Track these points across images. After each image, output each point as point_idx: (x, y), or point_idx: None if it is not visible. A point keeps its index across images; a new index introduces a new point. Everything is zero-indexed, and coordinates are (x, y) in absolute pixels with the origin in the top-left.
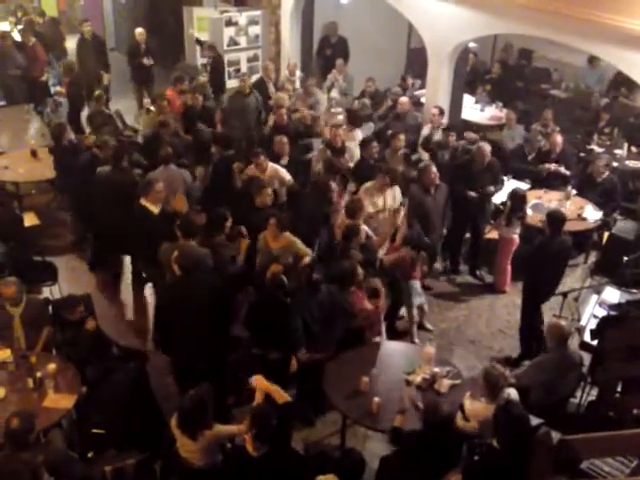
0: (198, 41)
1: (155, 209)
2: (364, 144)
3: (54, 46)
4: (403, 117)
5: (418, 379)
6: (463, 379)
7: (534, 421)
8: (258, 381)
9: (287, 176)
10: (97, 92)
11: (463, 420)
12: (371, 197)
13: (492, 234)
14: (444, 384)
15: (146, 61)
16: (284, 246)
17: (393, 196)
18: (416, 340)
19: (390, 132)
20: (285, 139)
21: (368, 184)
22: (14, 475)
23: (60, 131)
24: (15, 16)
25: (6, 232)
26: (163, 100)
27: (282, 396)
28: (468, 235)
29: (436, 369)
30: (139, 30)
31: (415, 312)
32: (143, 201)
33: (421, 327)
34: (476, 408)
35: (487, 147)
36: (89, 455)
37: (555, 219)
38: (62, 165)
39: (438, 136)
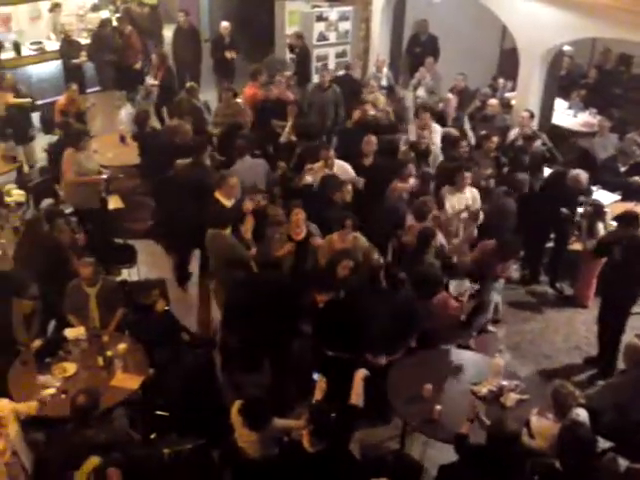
0: (292, 50)
1: (228, 202)
2: (454, 142)
3: (152, 34)
4: (491, 119)
5: (484, 391)
6: (531, 395)
7: (604, 445)
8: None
9: (353, 174)
10: (190, 84)
11: (528, 437)
12: (451, 196)
13: (577, 245)
14: (510, 398)
15: (228, 54)
16: (353, 245)
17: (473, 197)
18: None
19: (484, 133)
20: (374, 139)
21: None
22: (76, 449)
23: (144, 118)
24: (115, 5)
25: (90, 214)
26: (228, 91)
27: (358, 399)
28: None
29: (504, 382)
30: (224, 24)
31: (491, 308)
32: (217, 194)
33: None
34: (543, 426)
35: (583, 175)
36: (151, 436)
37: (626, 217)
38: (144, 151)
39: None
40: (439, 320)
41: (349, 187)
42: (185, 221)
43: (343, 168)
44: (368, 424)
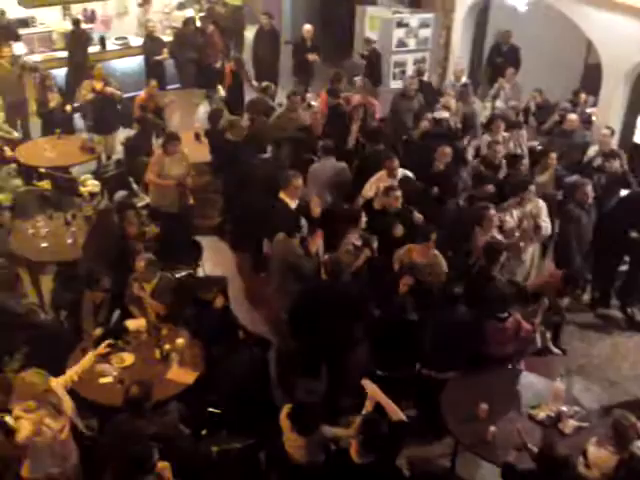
0: (363, 56)
1: (292, 203)
2: (513, 160)
3: (233, 35)
4: (570, 134)
5: (542, 415)
6: (591, 422)
7: None
8: (371, 390)
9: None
10: (265, 83)
11: (585, 467)
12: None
13: None
14: (569, 425)
15: (311, 57)
16: (431, 262)
17: (536, 207)
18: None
19: (541, 148)
20: (448, 150)
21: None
22: (126, 439)
23: (218, 115)
24: (200, 4)
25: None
26: (296, 96)
27: (396, 413)
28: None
29: (563, 408)
30: (307, 27)
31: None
32: (282, 194)
33: (546, 350)
34: (600, 456)
35: None
36: (202, 432)
37: None
38: (215, 148)
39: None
40: (511, 344)
41: (398, 193)
42: (256, 217)
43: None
44: (419, 440)
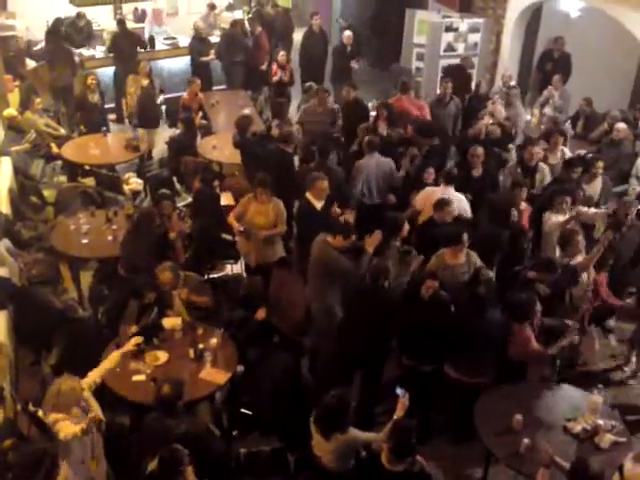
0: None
1: (318, 204)
2: (568, 166)
3: (283, 37)
4: (618, 144)
5: (578, 428)
6: (629, 438)
7: None
8: None
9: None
10: (308, 84)
11: None
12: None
13: None
14: (606, 439)
15: (353, 64)
16: (466, 261)
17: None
18: None
19: (590, 156)
20: (480, 150)
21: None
22: (156, 437)
23: (245, 123)
24: (249, 6)
25: (202, 208)
26: (324, 92)
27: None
28: None
29: (600, 421)
30: (347, 33)
31: None
32: (308, 195)
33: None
34: (637, 472)
35: None
36: (233, 433)
37: None
38: (246, 157)
39: None
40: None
41: (452, 207)
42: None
43: (458, 198)
44: (451, 449)
